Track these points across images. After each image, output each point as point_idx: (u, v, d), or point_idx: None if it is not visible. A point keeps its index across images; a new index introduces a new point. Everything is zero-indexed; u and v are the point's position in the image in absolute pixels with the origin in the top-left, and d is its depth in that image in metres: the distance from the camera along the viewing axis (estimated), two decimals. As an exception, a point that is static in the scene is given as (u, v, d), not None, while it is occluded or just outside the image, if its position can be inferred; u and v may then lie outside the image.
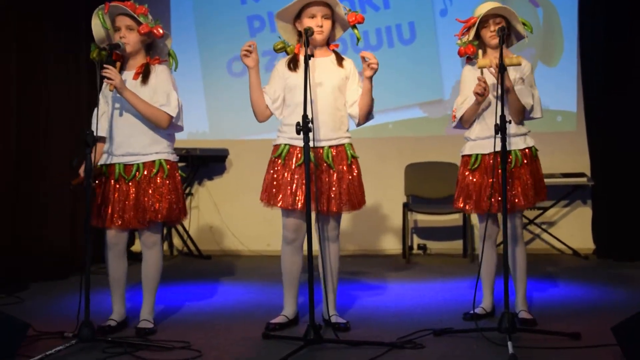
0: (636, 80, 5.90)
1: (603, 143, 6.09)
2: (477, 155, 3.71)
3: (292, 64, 3.65)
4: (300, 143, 3.46)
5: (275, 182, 3.63)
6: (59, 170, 5.32)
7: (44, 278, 5.05)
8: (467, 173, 3.75)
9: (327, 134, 3.61)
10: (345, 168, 3.65)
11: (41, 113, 5.28)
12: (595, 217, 6.23)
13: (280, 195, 3.59)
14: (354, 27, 3.68)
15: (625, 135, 5.95)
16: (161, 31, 3.57)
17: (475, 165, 3.71)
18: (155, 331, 3.62)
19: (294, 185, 3.58)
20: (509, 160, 3.63)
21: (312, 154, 3.51)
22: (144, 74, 3.56)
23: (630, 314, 3.06)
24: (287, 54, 3.75)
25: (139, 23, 3.54)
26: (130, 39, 3.54)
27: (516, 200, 3.63)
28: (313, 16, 3.57)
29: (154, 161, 3.57)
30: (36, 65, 5.24)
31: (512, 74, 3.64)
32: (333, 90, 3.62)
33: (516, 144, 3.67)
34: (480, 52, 3.66)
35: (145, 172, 3.55)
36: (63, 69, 5.52)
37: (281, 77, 3.66)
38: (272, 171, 3.66)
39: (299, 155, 3.58)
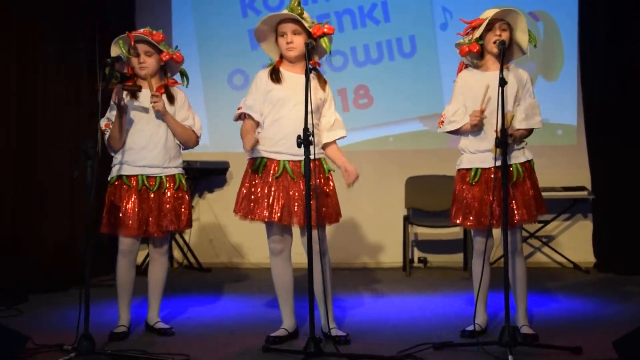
0: (637, 94, 5.91)
1: (603, 157, 6.10)
2: (477, 169, 3.66)
3: (275, 76, 3.65)
4: (277, 156, 3.60)
5: (252, 196, 3.64)
6: (58, 179, 5.34)
7: (44, 290, 5.04)
8: (464, 187, 3.69)
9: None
10: (322, 182, 3.66)
11: (40, 115, 5.28)
12: (596, 230, 6.23)
13: (257, 209, 3.61)
14: (321, 38, 3.63)
15: (626, 149, 5.96)
16: (181, 57, 3.84)
17: (475, 180, 3.66)
18: (174, 333, 3.82)
19: (271, 197, 3.60)
20: (510, 174, 3.62)
21: (291, 168, 3.60)
22: (168, 96, 3.82)
23: (632, 328, 3.05)
24: None
25: (159, 50, 3.77)
26: (149, 63, 3.76)
27: (519, 215, 3.61)
28: (283, 34, 3.61)
29: (174, 175, 3.82)
30: (36, 66, 5.25)
31: (513, 89, 3.62)
32: (314, 107, 3.61)
33: (516, 157, 3.64)
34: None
35: (168, 185, 3.78)
36: (62, 70, 5.54)
37: (263, 89, 3.65)
38: (248, 184, 3.68)
39: (276, 168, 3.62)
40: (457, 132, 3.71)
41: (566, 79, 6.35)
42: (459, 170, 3.74)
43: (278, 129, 3.60)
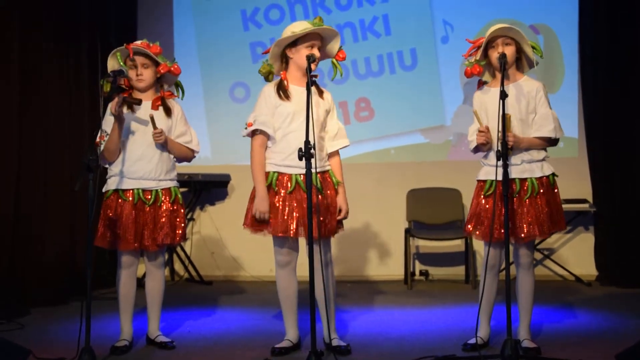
0: (637, 107, 5.92)
1: (605, 169, 6.10)
2: (492, 181, 3.65)
3: (282, 92, 3.66)
4: (289, 170, 3.59)
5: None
6: (58, 192, 5.34)
7: (45, 303, 5.03)
8: (481, 198, 3.71)
9: (314, 162, 3.62)
10: (333, 193, 3.71)
11: (42, 126, 5.30)
12: (598, 243, 6.22)
13: (272, 222, 3.61)
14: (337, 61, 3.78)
15: (627, 162, 5.97)
16: (179, 69, 3.85)
17: (490, 192, 3.65)
18: (175, 346, 3.79)
19: (286, 212, 3.60)
20: (525, 188, 3.60)
21: (303, 182, 3.59)
22: (165, 109, 3.82)
23: (634, 342, 3.04)
24: (267, 81, 3.77)
25: (157, 63, 3.78)
26: (146, 76, 3.77)
27: (530, 230, 3.59)
28: (312, 46, 3.63)
29: (170, 188, 3.81)
30: (37, 77, 5.26)
31: (519, 102, 3.62)
32: (318, 120, 3.66)
33: (532, 171, 3.63)
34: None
35: (164, 198, 3.77)
36: (64, 82, 5.56)
37: (272, 104, 3.66)
38: None
39: (288, 182, 3.62)
40: (477, 149, 3.74)
41: (568, 92, 6.36)
42: (478, 181, 3.76)
43: (288, 143, 3.61)
